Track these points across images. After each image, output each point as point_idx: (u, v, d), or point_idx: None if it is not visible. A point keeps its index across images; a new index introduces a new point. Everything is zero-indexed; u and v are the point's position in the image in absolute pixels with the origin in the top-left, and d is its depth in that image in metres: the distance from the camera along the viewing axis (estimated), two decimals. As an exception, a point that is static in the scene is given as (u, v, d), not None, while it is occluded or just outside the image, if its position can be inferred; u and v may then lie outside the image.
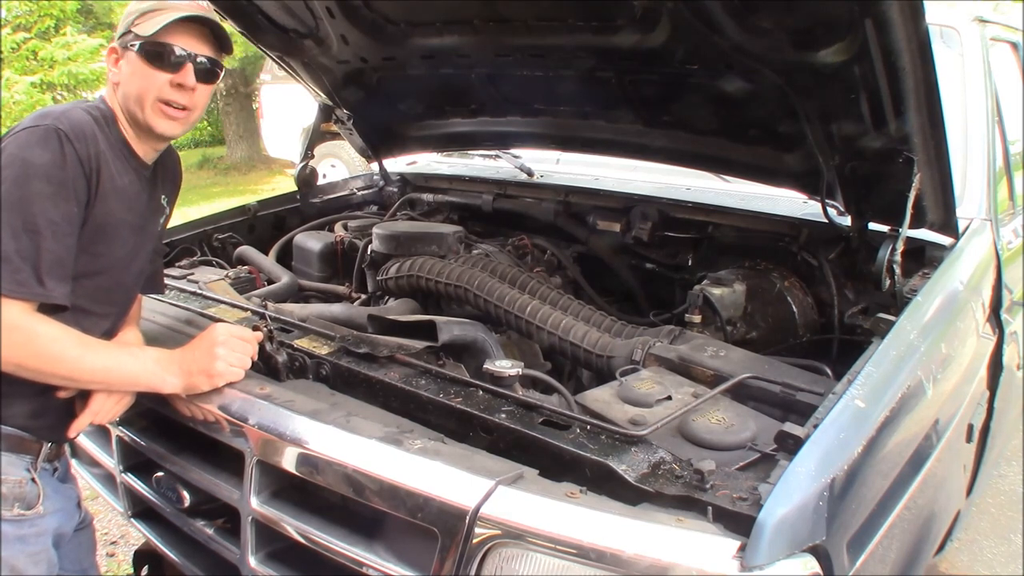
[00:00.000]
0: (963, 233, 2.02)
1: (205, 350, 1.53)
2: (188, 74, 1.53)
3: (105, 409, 1.53)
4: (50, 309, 1.39)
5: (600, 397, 1.56)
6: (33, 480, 1.49)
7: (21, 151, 1.37)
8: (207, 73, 1.57)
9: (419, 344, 1.72)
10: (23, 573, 1.46)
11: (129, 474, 1.89)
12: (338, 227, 2.82)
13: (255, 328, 1.65)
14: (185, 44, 1.53)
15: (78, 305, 1.46)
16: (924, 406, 1.52)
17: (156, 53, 1.51)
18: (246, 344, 1.57)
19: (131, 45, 1.51)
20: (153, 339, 1.77)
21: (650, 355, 1.79)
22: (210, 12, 1.59)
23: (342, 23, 2.39)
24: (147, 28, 1.50)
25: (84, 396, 1.51)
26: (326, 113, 2.97)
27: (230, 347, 1.54)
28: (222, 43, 1.60)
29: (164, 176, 1.73)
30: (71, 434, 1.55)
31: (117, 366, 1.47)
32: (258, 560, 1.54)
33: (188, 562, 1.79)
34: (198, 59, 1.54)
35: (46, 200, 1.36)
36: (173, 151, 1.77)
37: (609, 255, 2.70)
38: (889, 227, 1.89)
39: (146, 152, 1.60)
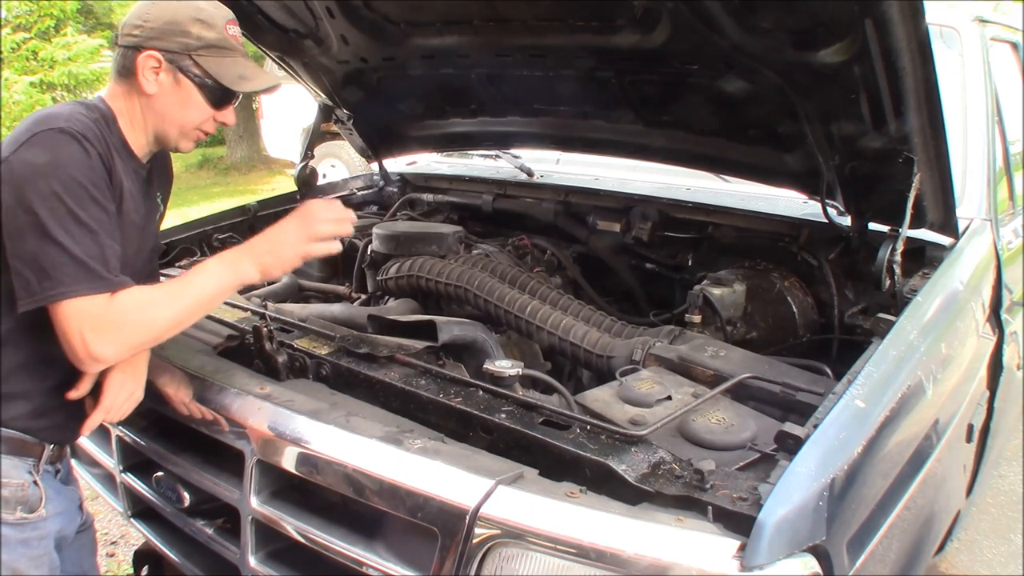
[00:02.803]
0: (963, 233, 2.02)
1: (276, 233, 1.52)
2: (231, 113, 1.60)
3: (116, 405, 1.51)
4: None
5: (600, 397, 1.56)
6: (35, 483, 1.49)
7: (47, 155, 1.35)
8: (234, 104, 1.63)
9: (419, 344, 1.72)
10: (25, 575, 1.46)
11: (129, 474, 1.89)
12: (338, 227, 2.81)
13: (255, 328, 1.65)
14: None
15: None
16: (924, 406, 1.52)
17: (215, 93, 1.53)
18: (324, 221, 1.53)
19: (192, 75, 1.50)
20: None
21: (650, 355, 1.79)
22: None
23: (342, 23, 2.39)
24: (222, 75, 1.51)
25: (95, 395, 1.51)
26: (326, 113, 2.97)
27: (304, 224, 1.52)
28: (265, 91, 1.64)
29: (159, 174, 1.73)
30: (84, 432, 1.54)
31: (199, 291, 1.45)
32: (258, 560, 1.54)
33: (188, 562, 1.79)
34: (239, 98, 1.60)
35: (88, 200, 1.36)
36: (162, 149, 1.77)
37: (609, 255, 2.70)
38: (889, 227, 1.89)
39: (144, 154, 1.60)
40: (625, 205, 2.68)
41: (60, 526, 1.56)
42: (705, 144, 2.34)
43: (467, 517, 1.19)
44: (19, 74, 9.66)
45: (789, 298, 2.18)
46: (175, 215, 1.89)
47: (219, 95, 1.54)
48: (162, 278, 1.99)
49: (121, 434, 1.85)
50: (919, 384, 1.49)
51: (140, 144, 1.57)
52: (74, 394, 1.47)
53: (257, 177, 11.60)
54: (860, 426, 1.28)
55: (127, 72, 1.51)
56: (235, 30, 1.55)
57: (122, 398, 1.52)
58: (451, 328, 1.83)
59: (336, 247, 1.56)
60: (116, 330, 1.35)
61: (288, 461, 1.45)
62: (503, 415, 1.40)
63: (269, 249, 1.50)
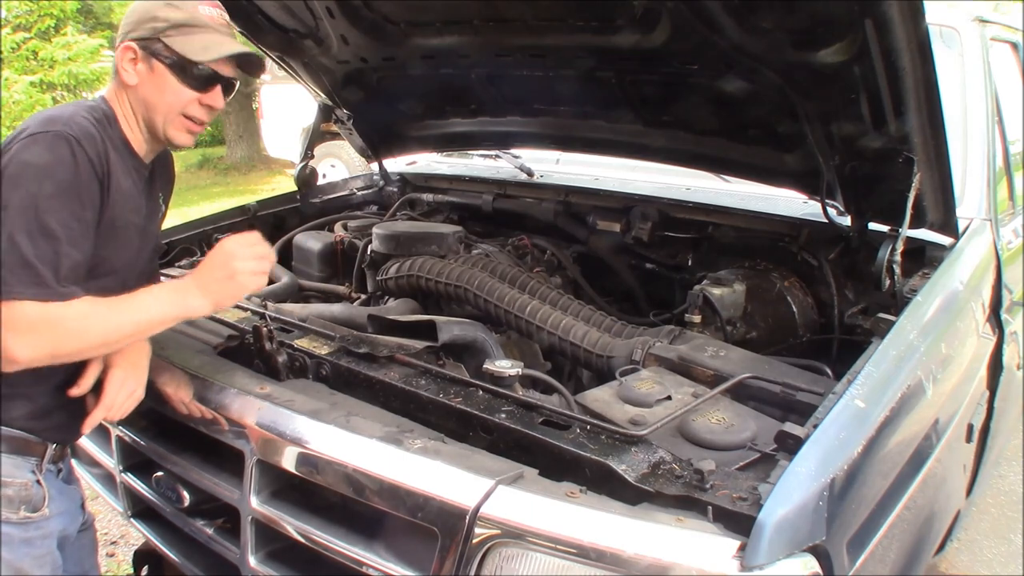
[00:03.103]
0: (963, 233, 2.02)
1: (221, 268, 1.47)
2: (218, 96, 1.56)
3: (118, 403, 1.51)
4: None
5: (600, 397, 1.56)
6: (38, 482, 1.49)
7: (32, 157, 1.36)
8: (229, 90, 1.60)
9: (419, 344, 1.72)
10: (28, 575, 1.46)
11: (129, 474, 1.89)
12: (338, 227, 2.82)
13: (255, 328, 1.64)
14: (219, 67, 1.54)
15: None
16: (924, 406, 1.52)
17: (190, 73, 1.51)
18: (260, 247, 1.52)
19: (162, 57, 1.50)
20: (153, 339, 1.76)
21: (650, 355, 1.79)
22: (232, 30, 1.60)
23: (342, 23, 2.39)
24: (188, 49, 1.49)
25: (96, 392, 1.50)
26: (326, 113, 2.97)
27: (245, 258, 1.48)
28: (250, 68, 1.62)
29: (161, 174, 1.72)
30: (85, 430, 1.53)
31: (141, 313, 1.43)
32: (258, 560, 1.54)
33: (188, 562, 1.79)
34: (226, 80, 1.57)
35: (60, 205, 1.36)
36: (164, 148, 1.77)
37: (609, 255, 2.70)
38: (889, 227, 1.89)
39: (146, 153, 1.60)
40: (625, 205, 2.68)
41: (63, 525, 1.56)
42: (705, 144, 2.34)
43: (467, 517, 1.19)
44: (19, 74, 9.67)
45: (789, 298, 2.18)
46: (175, 215, 1.89)
47: (193, 74, 1.51)
48: (162, 278, 1.99)
49: (121, 434, 1.84)
50: (919, 384, 1.49)
51: (139, 141, 1.57)
52: (75, 391, 1.47)
53: (257, 177, 11.60)
54: (860, 426, 1.28)
55: (115, 70, 1.54)
56: (208, 9, 1.54)
57: (123, 396, 1.52)
58: (451, 328, 1.83)
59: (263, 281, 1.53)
60: (41, 336, 1.32)
61: (288, 461, 1.45)
62: (503, 415, 1.40)
63: (219, 279, 1.46)
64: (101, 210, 1.44)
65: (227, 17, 1.59)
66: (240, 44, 1.59)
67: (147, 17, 1.51)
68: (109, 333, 1.40)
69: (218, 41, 1.53)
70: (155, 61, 1.51)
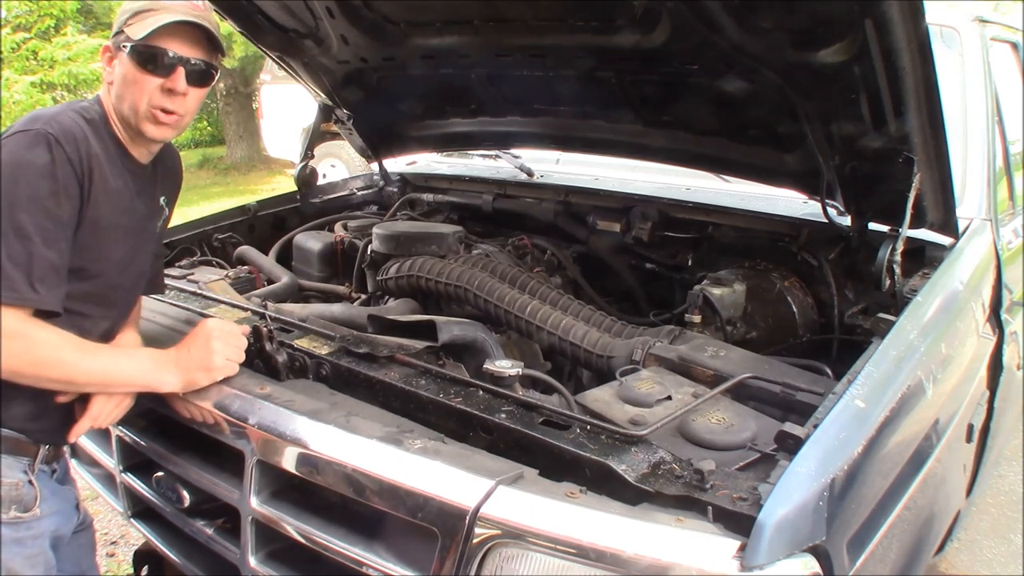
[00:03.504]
0: (963, 233, 2.02)
1: (201, 346, 1.53)
2: (179, 79, 1.50)
3: (104, 413, 1.52)
4: (45, 314, 1.38)
5: (600, 397, 1.56)
6: (30, 482, 1.49)
7: (10, 156, 1.35)
8: (200, 76, 1.53)
9: (419, 344, 1.72)
10: (20, 575, 1.46)
11: (129, 474, 1.89)
12: (338, 227, 2.82)
13: (255, 328, 1.65)
14: (176, 47, 1.49)
15: (75, 308, 1.45)
16: (924, 406, 1.52)
17: (147, 57, 1.47)
18: (239, 337, 1.59)
19: (123, 46, 1.48)
20: (153, 339, 1.77)
21: (650, 355, 1.79)
22: (205, 14, 1.54)
23: (342, 23, 2.39)
24: (138, 30, 1.46)
25: (83, 400, 1.50)
26: (326, 113, 2.98)
27: (224, 341, 1.55)
28: (215, 45, 1.56)
29: (164, 176, 1.71)
30: (71, 439, 1.54)
31: (114, 368, 1.47)
32: (258, 560, 1.54)
33: (188, 562, 1.79)
34: (190, 63, 1.51)
35: (36, 205, 1.34)
36: (172, 149, 1.75)
37: (609, 255, 2.70)
38: (889, 227, 1.89)
39: (141, 153, 1.59)
40: (625, 205, 2.68)
41: (56, 525, 1.56)
42: (705, 144, 2.34)
43: (467, 517, 1.19)
44: (19, 74, 9.67)
45: (789, 298, 2.18)
46: (175, 215, 1.88)
47: (150, 58, 1.47)
48: (165, 279, 1.99)
49: (121, 434, 1.84)
50: (919, 384, 1.49)
51: (129, 141, 1.56)
52: (62, 397, 1.48)
53: (257, 177, 11.60)
54: (860, 426, 1.28)
55: None
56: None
57: (110, 406, 1.52)
58: (451, 328, 1.83)
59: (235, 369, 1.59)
60: (14, 352, 1.32)
61: (288, 461, 1.45)
62: (503, 415, 1.40)
63: (197, 357, 1.52)
64: (82, 210, 1.42)
65: (200, 3, 1.54)
66: (194, 16, 1.51)
67: (119, 14, 1.52)
68: (73, 374, 1.41)
69: (162, 17, 1.47)
70: (120, 53, 1.50)
